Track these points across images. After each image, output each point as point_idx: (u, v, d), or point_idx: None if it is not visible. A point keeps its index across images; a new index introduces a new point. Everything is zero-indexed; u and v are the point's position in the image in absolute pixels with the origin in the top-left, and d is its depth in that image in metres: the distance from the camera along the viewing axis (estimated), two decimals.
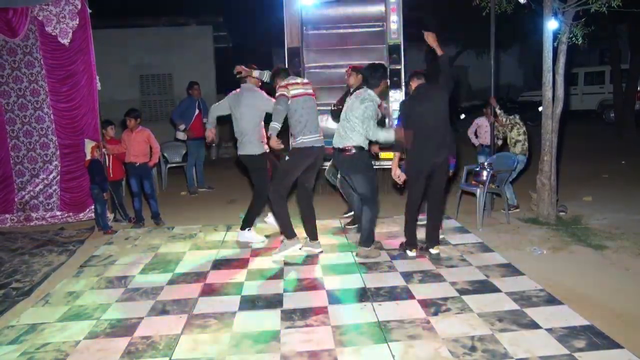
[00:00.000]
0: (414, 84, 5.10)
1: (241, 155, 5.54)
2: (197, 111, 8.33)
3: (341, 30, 7.81)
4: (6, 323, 3.93)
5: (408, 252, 5.08)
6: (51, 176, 6.84)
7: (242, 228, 5.71)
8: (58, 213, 6.87)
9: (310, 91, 5.15)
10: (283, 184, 5.11)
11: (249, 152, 5.46)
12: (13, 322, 3.92)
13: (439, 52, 4.90)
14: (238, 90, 5.57)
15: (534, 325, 3.53)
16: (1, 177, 6.82)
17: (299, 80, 5.16)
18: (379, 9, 7.57)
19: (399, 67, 7.31)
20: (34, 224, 6.80)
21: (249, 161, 5.54)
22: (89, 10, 6.44)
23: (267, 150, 5.51)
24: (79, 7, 6.41)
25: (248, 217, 5.69)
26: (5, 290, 4.60)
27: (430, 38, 4.93)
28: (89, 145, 6.39)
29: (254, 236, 5.71)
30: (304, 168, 5.11)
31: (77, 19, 6.42)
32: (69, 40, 6.47)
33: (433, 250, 5.07)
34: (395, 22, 7.33)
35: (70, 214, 6.86)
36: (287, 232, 5.22)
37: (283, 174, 5.13)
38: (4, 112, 6.75)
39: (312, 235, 5.28)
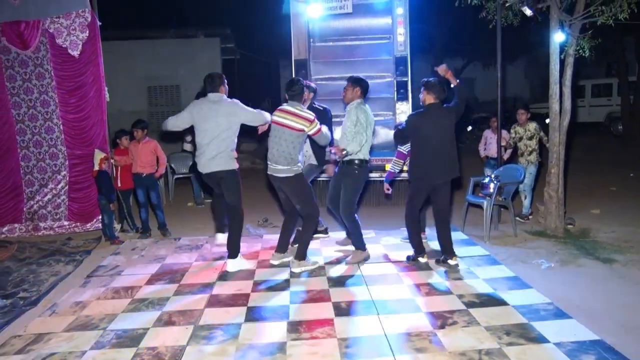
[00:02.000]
0: (428, 99, 4.97)
1: (217, 171, 5.05)
2: None
3: (348, 43, 7.85)
4: (13, 332, 3.94)
5: (420, 259, 5.14)
6: (59, 186, 6.88)
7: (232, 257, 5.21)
8: (66, 223, 6.90)
9: (291, 123, 4.91)
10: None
11: (227, 167, 5.04)
12: (20, 332, 3.93)
13: (454, 82, 4.98)
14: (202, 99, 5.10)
15: (542, 339, 3.50)
16: (11, 186, 6.88)
17: (288, 108, 4.98)
18: (385, 21, 7.61)
19: (405, 79, 7.34)
20: (42, 234, 6.84)
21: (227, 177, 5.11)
22: (99, 23, 6.52)
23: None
24: (89, 19, 6.49)
25: (234, 244, 5.21)
26: (13, 300, 4.62)
27: (442, 70, 4.99)
28: (98, 156, 6.43)
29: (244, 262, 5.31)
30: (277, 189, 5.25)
31: (87, 31, 6.50)
32: (78, 52, 6.54)
33: (452, 262, 5.05)
34: (402, 35, 7.36)
35: (78, 224, 6.89)
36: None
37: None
38: (14, 123, 6.82)
39: (296, 254, 5.15)
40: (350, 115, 5.11)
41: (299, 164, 5.05)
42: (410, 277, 4.83)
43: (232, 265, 5.18)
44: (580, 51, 5.96)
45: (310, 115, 4.98)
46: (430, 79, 5.04)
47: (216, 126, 4.93)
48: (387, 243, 5.90)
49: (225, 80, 5.15)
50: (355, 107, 5.12)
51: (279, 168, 4.98)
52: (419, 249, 5.18)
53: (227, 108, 4.98)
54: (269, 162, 5.08)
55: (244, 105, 5.09)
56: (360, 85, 5.20)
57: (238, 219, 5.20)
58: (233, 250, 5.19)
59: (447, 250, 5.11)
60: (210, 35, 14.77)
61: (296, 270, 5.05)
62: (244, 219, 5.31)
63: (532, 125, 6.78)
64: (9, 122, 6.81)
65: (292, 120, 4.93)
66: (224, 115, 4.94)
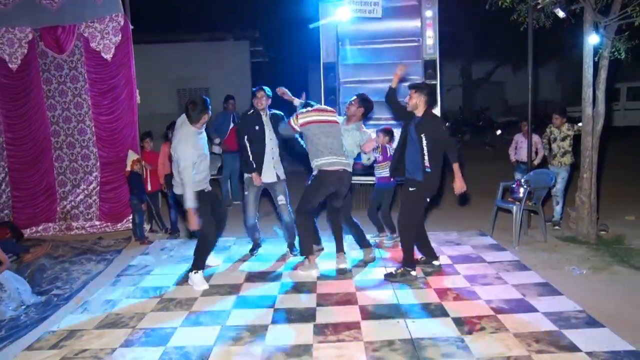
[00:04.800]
0: (422, 104, 4.79)
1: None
2: (232, 124, 8.46)
3: (377, 46, 7.81)
4: (47, 328, 4.06)
5: (435, 262, 5.09)
6: (91, 187, 7.05)
7: (191, 270, 4.94)
8: (97, 223, 7.06)
9: (327, 118, 5.03)
10: (306, 208, 5.04)
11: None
12: (53, 328, 4.05)
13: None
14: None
15: (573, 348, 3.43)
16: (45, 186, 7.08)
17: (321, 106, 5.24)
18: (414, 24, 7.55)
19: (434, 83, 7.26)
20: (74, 233, 7.01)
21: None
22: (131, 27, 6.65)
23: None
24: (122, 23, 6.64)
25: (197, 258, 4.95)
26: (47, 297, 4.74)
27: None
28: (131, 157, 6.55)
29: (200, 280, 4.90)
30: (327, 194, 5.04)
31: (120, 35, 6.65)
32: (111, 56, 6.70)
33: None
34: (431, 38, 7.30)
35: (109, 224, 7.04)
36: (307, 253, 5.17)
37: (305, 198, 5.06)
38: (49, 125, 7.02)
39: (337, 248, 5.29)
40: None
41: None
42: (437, 281, 4.78)
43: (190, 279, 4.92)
44: (616, 53, 5.82)
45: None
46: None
47: None
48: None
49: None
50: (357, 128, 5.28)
51: (346, 162, 5.03)
52: (432, 253, 5.17)
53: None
54: (332, 158, 4.93)
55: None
56: (365, 106, 5.24)
57: (204, 238, 4.97)
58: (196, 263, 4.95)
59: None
60: (240, 38, 14.94)
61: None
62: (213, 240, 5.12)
63: (566, 127, 6.61)
64: (44, 124, 7.01)
65: (329, 115, 5.07)
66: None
